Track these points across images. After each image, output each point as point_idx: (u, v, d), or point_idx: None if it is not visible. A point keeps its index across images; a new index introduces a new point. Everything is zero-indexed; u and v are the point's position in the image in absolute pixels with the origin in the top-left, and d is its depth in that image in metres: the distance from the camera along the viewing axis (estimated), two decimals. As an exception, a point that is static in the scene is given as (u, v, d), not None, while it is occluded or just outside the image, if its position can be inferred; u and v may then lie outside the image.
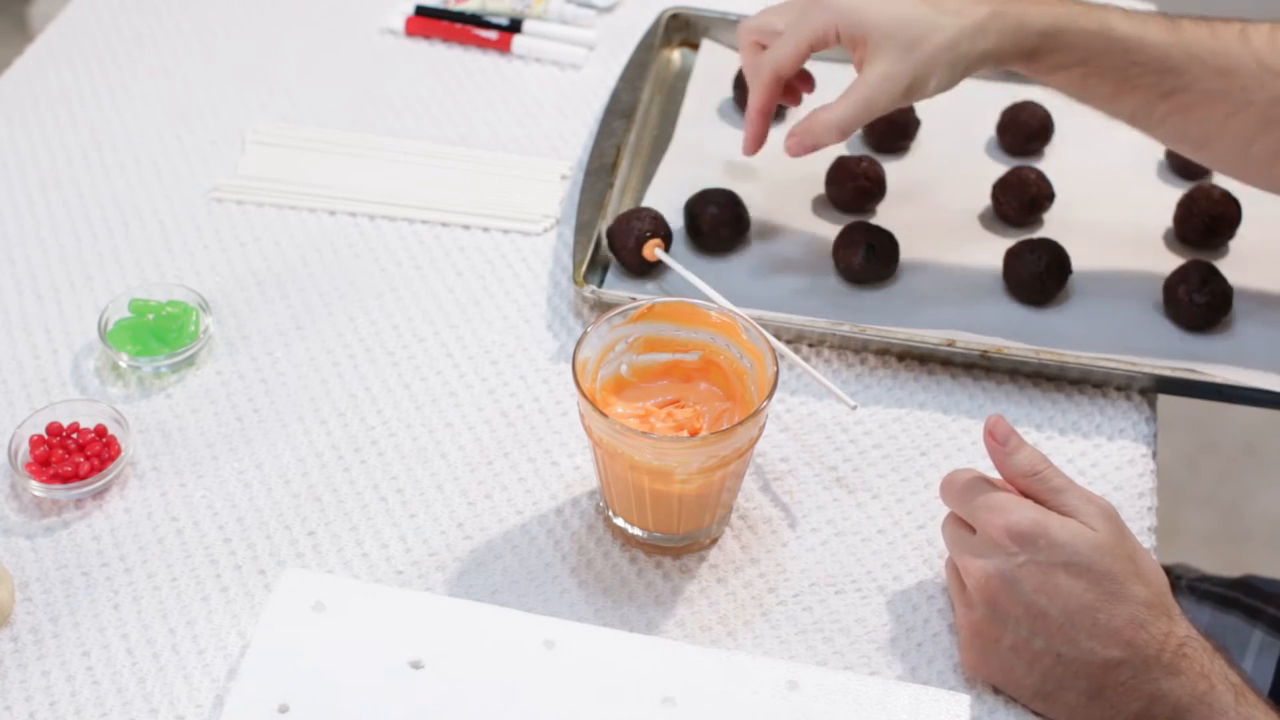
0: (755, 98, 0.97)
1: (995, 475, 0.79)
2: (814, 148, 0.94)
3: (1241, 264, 1.01)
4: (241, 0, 1.24)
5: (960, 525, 0.78)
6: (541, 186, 1.07)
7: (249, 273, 1.00)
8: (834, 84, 1.14)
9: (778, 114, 1.12)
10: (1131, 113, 0.93)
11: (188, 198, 1.06)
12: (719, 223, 1.00)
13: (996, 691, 0.78)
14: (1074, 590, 0.73)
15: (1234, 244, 1.03)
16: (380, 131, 1.12)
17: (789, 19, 0.95)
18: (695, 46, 1.19)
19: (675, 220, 1.01)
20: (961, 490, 0.78)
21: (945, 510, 0.86)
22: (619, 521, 0.84)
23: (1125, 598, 0.73)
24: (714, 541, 0.85)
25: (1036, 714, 0.77)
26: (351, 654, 0.75)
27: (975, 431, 0.91)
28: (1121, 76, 0.90)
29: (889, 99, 0.90)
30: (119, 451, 0.87)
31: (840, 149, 1.10)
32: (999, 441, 0.78)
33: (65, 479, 0.85)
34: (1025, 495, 0.77)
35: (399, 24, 1.22)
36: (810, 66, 1.15)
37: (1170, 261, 0.99)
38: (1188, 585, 1.07)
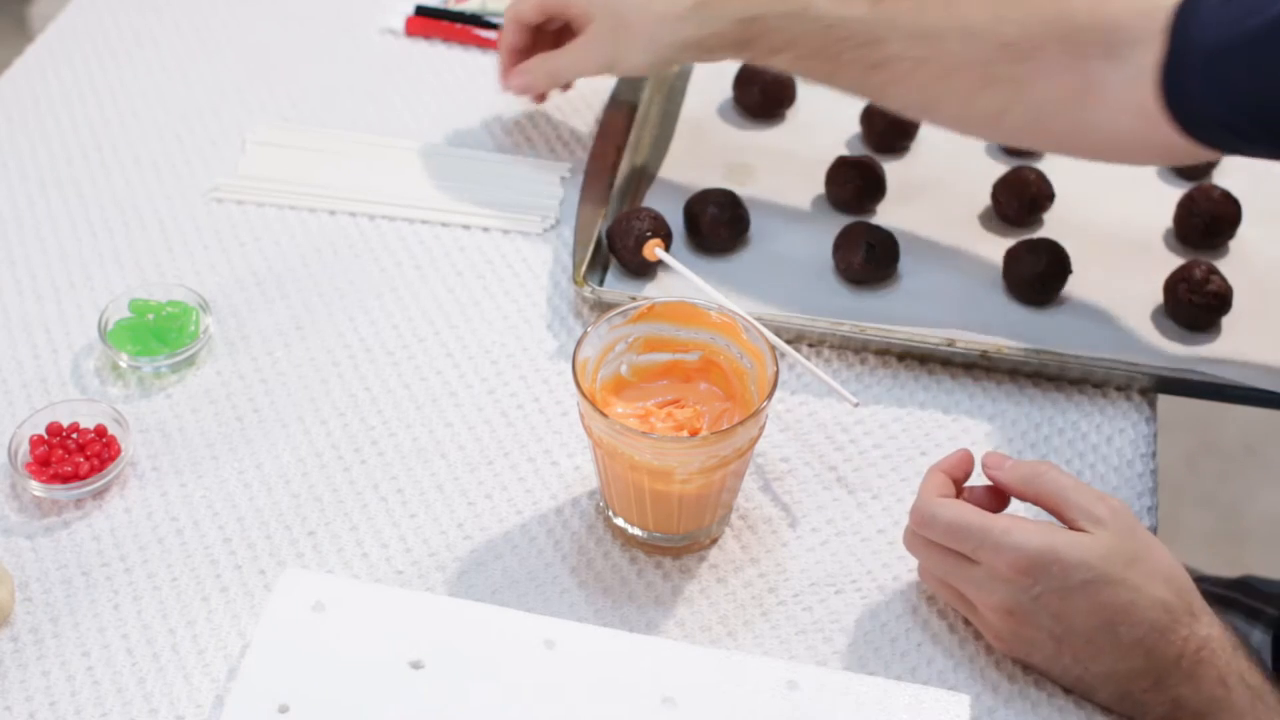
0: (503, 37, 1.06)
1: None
2: (531, 89, 1.07)
3: (1241, 264, 1.01)
4: (241, 0, 1.24)
5: (952, 556, 0.76)
6: (541, 187, 1.07)
7: (249, 273, 1.00)
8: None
9: (774, 116, 1.12)
10: (852, 87, 0.95)
11: (188, 198, 1.06)
12: (719, 223, 1.00)
13: (996, 691, 0.78)
14: (1093, 609, 0.73)
15: (1234, 244, 1.03)
16: (380, 131, 1.12)
17: None
18: (695, 46, 1.19)
19: (675, 220, 1.01)
20: (949, 529, 0.75)
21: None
22: (619, 521, 0.84)
23: (1144, 605, 0.73)
24: (714, 541, 0.85)
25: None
26: (351, 654, 0.75)
27: (975, 431, 0.91)
28: (829, 54, 0.93)
29: (588, 68, 1.03)
30: (119, 451, 0.87)
31: (840, 149, 1.10)
32: (994, 466, 0.79)
33: (65, 479, 0.85)
34: (1028, 501, 0.77)
35: (399, 24, 1.22)
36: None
37: (1170, 261, 0.99)
38: (1188, 585, 1.06)
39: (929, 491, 0.78)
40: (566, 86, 1.09)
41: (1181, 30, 0.83)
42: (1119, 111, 0.87)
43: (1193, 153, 0.87)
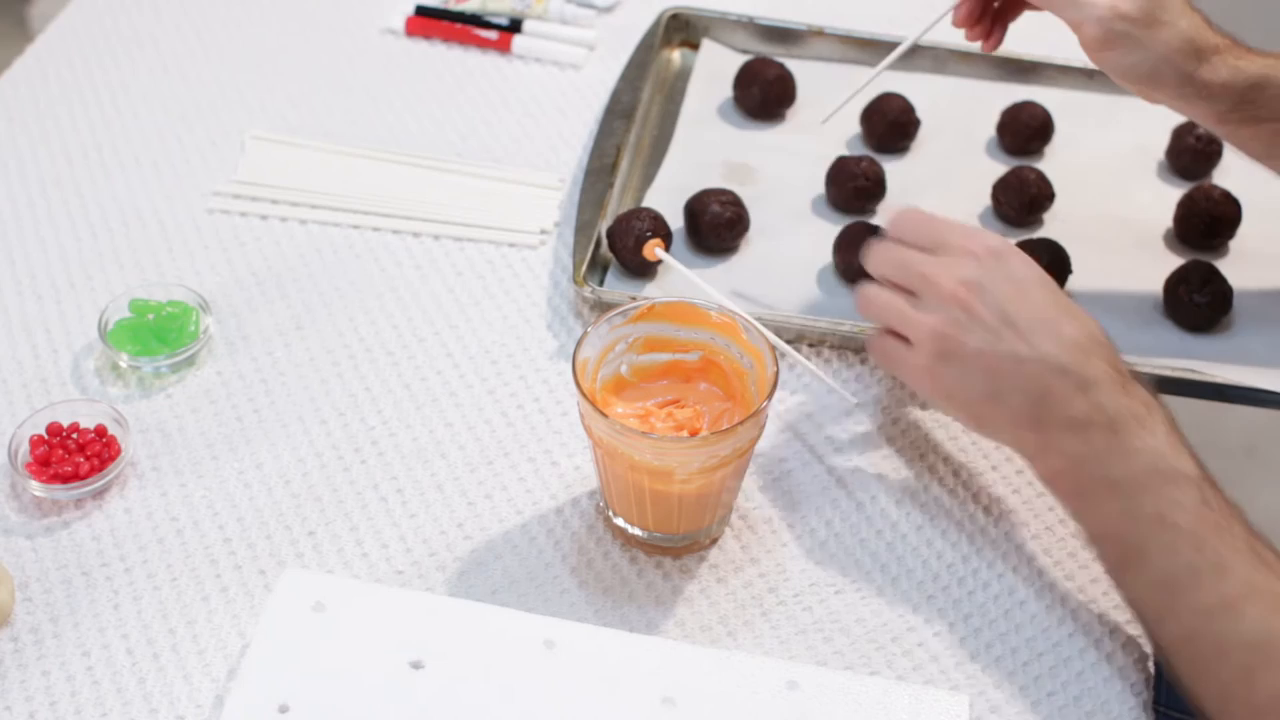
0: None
1: None
2: None
3: (1241, 264, 1.01)
4: (241, 0, 1.24)
5: (899, 291, 0.83)
6: (537, 198, 1.06)
7: (249, 273, 1.00)
8: (843, 83, 1.15)
9: (774, 116, 1.12)
10: None
11: (188, 198, 1.06)
12: (719, 223, 1.00)
13: (996, 691, 0.78)
14: (1043, 301, 0.79)
15: (1234, 244, 1.03)
16: (380, 131, 1.12)
17: None
18: (695, 46, 1.19)
19: (675, 220, 1.01)
20: (902, 258, 0.83)
21: (946, 511, 0.86)
22: (619, 521, 0.84)
23: (1081, 320, 0.80)
24: (714, 541, 0.85)
25: (973, 418, 0.82)
26: (351, 654, 0.75)
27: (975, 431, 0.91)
28: None
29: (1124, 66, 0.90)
30: (119, 451, 0.87)
31: (840, 149, 1.10)
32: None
33: (65, 479, 0.85)
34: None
35: (399, 24, 1.22)
36: (811, 68, 1.16)
37: (1170, 261, 0.99)
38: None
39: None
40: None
41: None
42: None
43: None
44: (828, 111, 1.01)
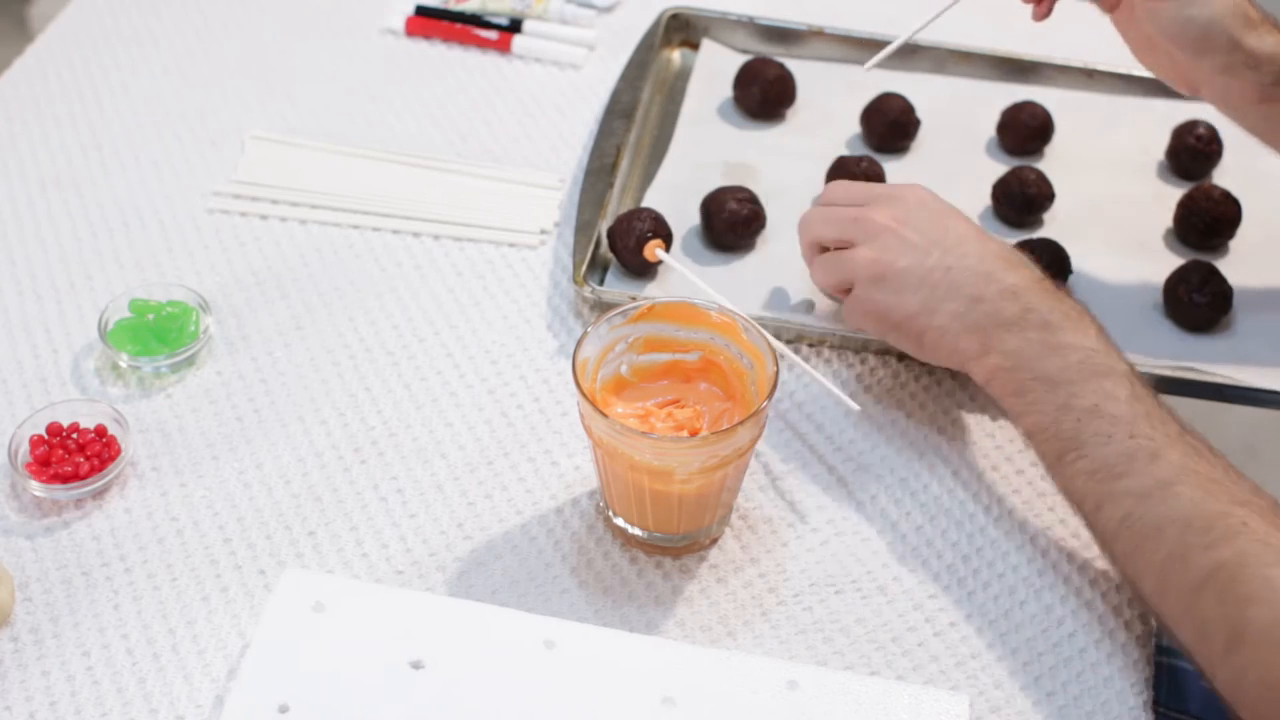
0: None
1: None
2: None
3: (1241, 264, 1.01)
4: (241, 0, 1.24)
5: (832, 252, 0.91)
6: (537, 198, 1.06)
7: (249, 273, 1.00)
8: (843, 83, 1.15)
9: (774, 116, 1.12)
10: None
11: (187, 198, 1.06)
12: (736, 220, 0.99)
13: (996, 691, 0.78)
14: (964, 225, 0.87)
15: (1234, 244, 1.03)
16: (380, 131, 1.12)
17: None
18: (695, 46, 1.19)
19: (675, 220, 1.01)
20: (835, 214, 0.91)
21: (947, 509, 0.86)
22: (619, 521, 0.84)
23: (1000, 241, 0.87)
24: (714, 541, 0.85)
25: (912, 337, 0.86)
26: (351, 654, 0.75)
27: (976, 431, 0.91)
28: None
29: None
30: (119, 451, 0.87)
31: (840, 149, 1.10)
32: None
33: (65, 479, 0.85)
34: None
35: (399, 24, 1.22)
36: (811, 68, 1.16)
37: (1170, 261, 0.99)
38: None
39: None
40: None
41: None
42: None
43: None
44: (872, 61, 1.01)
